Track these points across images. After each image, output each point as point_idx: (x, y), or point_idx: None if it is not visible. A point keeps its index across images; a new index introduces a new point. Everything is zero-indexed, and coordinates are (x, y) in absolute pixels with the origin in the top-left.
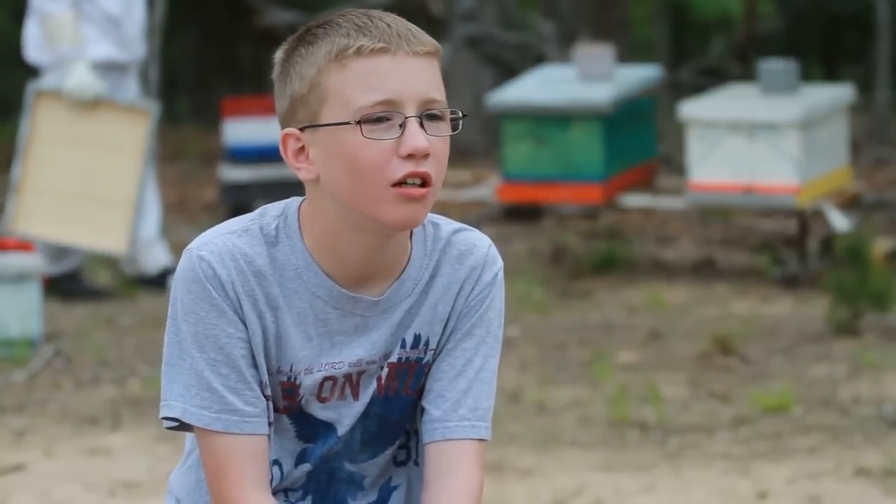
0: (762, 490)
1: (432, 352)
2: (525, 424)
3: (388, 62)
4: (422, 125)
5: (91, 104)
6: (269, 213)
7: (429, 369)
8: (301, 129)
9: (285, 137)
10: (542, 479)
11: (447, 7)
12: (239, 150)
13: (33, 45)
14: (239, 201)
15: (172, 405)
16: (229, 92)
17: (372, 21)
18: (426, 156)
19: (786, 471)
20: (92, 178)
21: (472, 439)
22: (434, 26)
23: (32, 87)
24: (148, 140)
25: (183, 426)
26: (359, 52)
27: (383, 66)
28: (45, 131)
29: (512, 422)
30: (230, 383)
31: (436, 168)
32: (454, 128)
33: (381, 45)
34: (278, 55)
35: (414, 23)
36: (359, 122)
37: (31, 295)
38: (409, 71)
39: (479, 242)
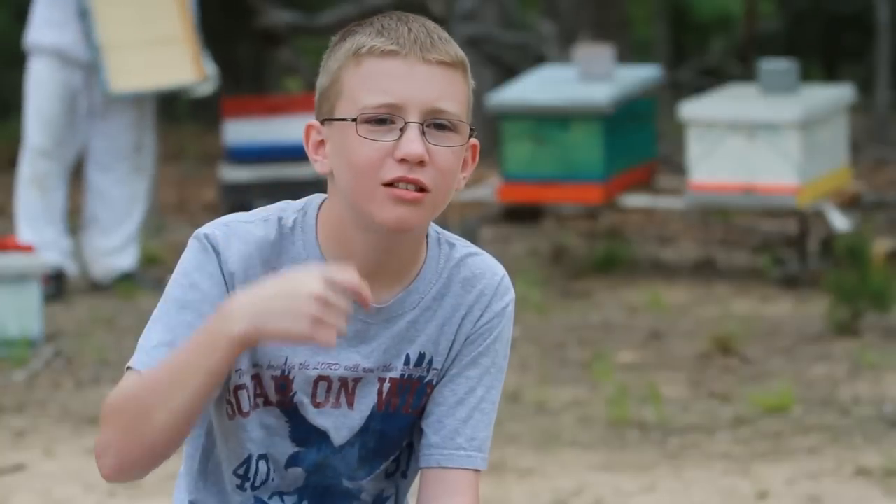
0: (762, 490)
1: (435, 371)
2: (525, 424)
3: (397, 65)
4: (424, 133)
5: None
6: (291, 206)
7: (431, 389)
8: (322, 123)
9: (308, 129)
10: (542, 479)
11: (447, 7)
12: (239, 150)
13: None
14: (239, 201)
15: (140, 359)
16: (229, 92)
17: (398, 24)
18: (422, 163)
19: (786, 471)
20: (147, 21)
21: (467, 469)
22: None
23: None
24: None
25: None
26: (371, 51)
27: (392, 69)
28: None
29: (512, 422)
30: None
31: (435, 177)
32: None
33: (393, 47)
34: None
35: None
36: (355, 120)
37: (31, 295)
38: (418, 77)
39: (493, 269)
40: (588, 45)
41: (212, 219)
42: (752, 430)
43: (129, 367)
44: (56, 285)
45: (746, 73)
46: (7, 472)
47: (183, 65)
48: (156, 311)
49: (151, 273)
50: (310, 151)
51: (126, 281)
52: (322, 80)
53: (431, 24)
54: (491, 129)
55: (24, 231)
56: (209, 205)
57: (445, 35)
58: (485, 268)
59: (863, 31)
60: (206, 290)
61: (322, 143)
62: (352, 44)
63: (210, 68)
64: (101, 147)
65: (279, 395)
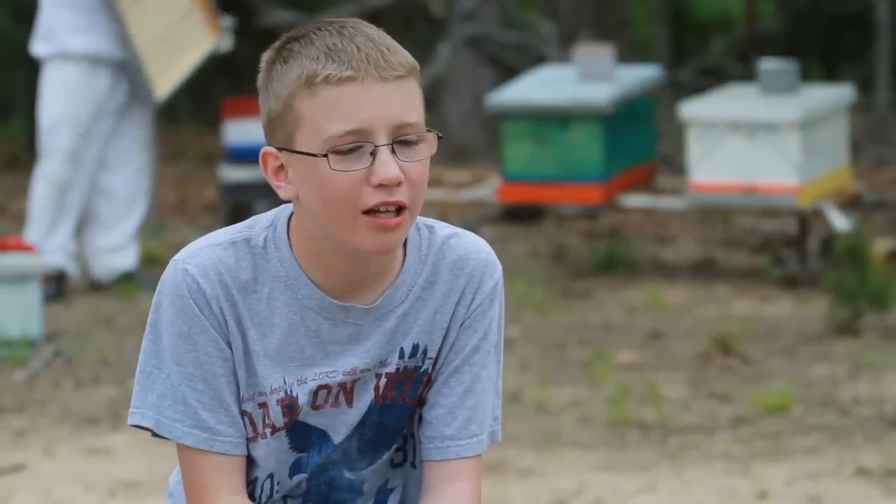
0: (762, 490)
1: (430, 360)
2: (525, 424)
3: (356, 90)
4: (394, 151)
5: None
6: (259, 223)
7: (427, 378)
8: (279, 149)
9: (265, 155)
10: (542, 479)
11: (447, 7)
12: (239, 150)
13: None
14: (239, 201)
15: (146, 414)
16: (229, 92)
17: (343, 42)
18: (399, 183)
19: (786, 471)
20: (158, 14)
21: (478, 454)
22: (434, 26)
23: None
24: None
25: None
26: (327, 80)
27: (352, 95)
28: None
29: (512, 422)
30: (205, 400)
31: (411, 193)
32: (432, 147)
33: (348, 72)
34: (263, 62)
35: (414, 23)
36: (326, 155)
37: (31, 295)
38: (379, 98)
39: (478, 247)
40: (588, 45)
41: (212, 219)
42: (752, 430)
43: (141, 427)
44: (56, 285)
45: (746, 73)
46: (7, 472)
47: (203, 31)
48: (145, 362)
49: (151, 273)
50: (270, 178)
51: (126, 281)
52: (271, 105)
53: (375, 33)
54: (491, 129)
55: (34, 232)
56: (209, 205)
57: (392, 43)
58: (469, 247)
59: (863, 31)
60: (194, 336)
61: (282, 167)
62: (301, 70)
63: (225, 21)
64: (113, 146)
65: (287, 416)
